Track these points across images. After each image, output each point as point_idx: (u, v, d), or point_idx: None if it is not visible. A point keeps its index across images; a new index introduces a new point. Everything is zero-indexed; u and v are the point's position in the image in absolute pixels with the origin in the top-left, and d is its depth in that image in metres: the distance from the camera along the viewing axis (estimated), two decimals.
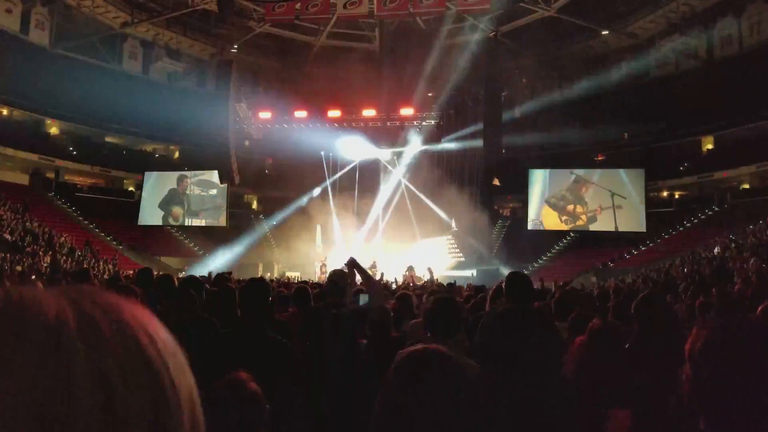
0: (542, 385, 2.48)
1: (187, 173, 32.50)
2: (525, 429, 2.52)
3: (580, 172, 29.93)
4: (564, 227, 29.68)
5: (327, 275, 5.03)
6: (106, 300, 0.44)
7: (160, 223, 31.71)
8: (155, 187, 32.17)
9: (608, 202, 28.48)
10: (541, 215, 29.98)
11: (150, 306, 2.98)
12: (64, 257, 22.70)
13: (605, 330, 2.71)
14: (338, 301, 4.18)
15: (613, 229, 28.55)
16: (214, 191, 31.58)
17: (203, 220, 31.93)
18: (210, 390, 1.62)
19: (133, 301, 0.46)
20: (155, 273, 5.63)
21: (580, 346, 2.75)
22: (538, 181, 30.37)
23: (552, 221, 29.82)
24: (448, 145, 27.53)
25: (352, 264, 4.72)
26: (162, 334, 0.45)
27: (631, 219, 28.46)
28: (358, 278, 5.23)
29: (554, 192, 29.83)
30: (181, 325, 3.18)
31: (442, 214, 26.59)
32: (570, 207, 29.42)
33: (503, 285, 4.22)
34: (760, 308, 3.42)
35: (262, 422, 1.70)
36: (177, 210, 31.96)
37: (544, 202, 29.92)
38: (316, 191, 29.58)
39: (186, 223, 31.84)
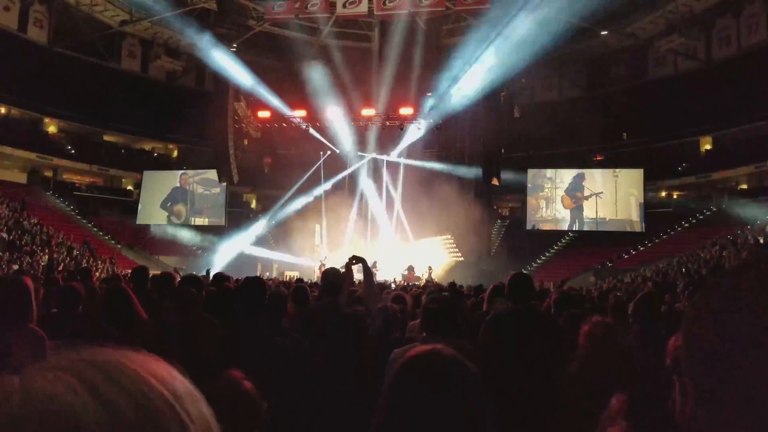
0: (545, 385, 2.48)
1: (189, 172, 32.50)
2: (528, 428, 2.52)
3: (579, 172, 30.01)
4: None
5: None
6: (133, 379, 0.40)
7: (164, 222, 31.63)
8: (156, 187, 32.13)
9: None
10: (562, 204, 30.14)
11: (145, 306, 2.96)
12: (63, 256, 22.66)
13: (605, 324, 2.69)
14: (334, 300, 4.17)
15: (593, 217, 28.81)
16: (216, 189, 31.54)
17: (206, 219, 31.92)
18: (204, 389, 1.61)
19: (152, 361, 0.43)
20: (152, 272, 5.60)
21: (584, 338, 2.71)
22: (554, 179, 30.41)
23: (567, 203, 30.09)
24: (447, 144, 27.56)
25: (357, 260, 4.70)
26: (196, 410, 0.43)
27: (613, 208, 28.79)
28: (357, 277, 5.21)
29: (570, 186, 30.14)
30: (182, 323, 3.17)
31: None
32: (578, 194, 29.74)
33: (503, 285, 4.21)
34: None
35: (257, 421, 1.69)
36: (180, 208, 31.91)
37: (563, 194, 30.05)
38: (316, 190, 29.56)
39: (190, 222, 31.80)
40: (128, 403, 0.39)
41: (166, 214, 31.74)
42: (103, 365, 0.41)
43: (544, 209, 30.33)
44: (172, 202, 31.92)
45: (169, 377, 0.43)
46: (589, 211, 29.45)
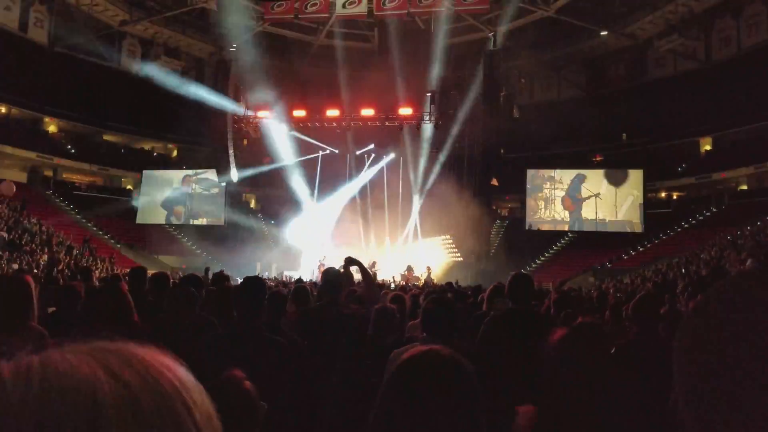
0: (543, 386, 2.47)
1: (189, 172, 32.51)
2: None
3: (578, 172, 30.00)
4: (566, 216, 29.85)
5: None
6: (144, 364, 0.43)
7: (162, 221, 31.67)
8: (156, 186, 32.14)
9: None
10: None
11: (142, 306, 2.95)
12: (62, 255, 22.66)
13: (587, 326, 2.68)
14: (333, 300, 4.17)
15: (593, 218, 28.80)
16: (215, 190, 31.58)
17: (204, 219, 31.93)
18: (204, 388, 1.61)
19: (159, 352, 0.46)
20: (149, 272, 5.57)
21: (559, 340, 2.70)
22: (554, 179, 30.36)
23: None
24: (446, 145, 27.53)
25: (351, 262, 4.69)
26: (199, 397, 0.45)
27: (613, 209, 28.71)
28: (356, 277, 5.21)
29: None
30: (179, 324, 3.16)
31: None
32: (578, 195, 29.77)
33: (503, 285, 4.21)
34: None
35: (257, 421, 1.69)
36: (179, 209, 31.96)
37: (563, 195, 30.04)
38: (315, 190, 29.53)
39: (190, 222, 31.82)
40: (141, 384, 0.41)
41: (166, 213, 31.78)
42: (117, 351, 0.43)
43: (543, 210, 30.34)
44: (173, 203, 31.94)
45: (175, 367, 0.45)
46: (588, 212, 29.43)
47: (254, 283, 3.11)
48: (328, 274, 4.44)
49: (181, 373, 0.45)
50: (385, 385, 1.11)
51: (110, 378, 0.40)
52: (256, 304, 2.98)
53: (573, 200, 29.76)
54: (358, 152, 29.18)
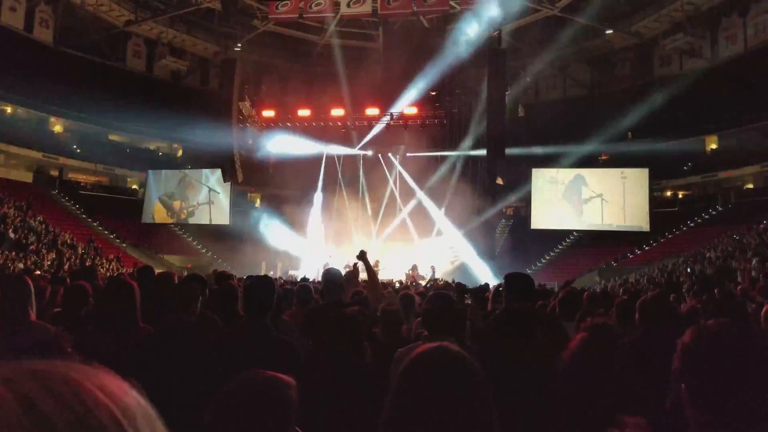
0: (544, 384, 2.47)
1: (191, 170, 32.59)
2: (528, 426, 2.51)
3: (584, 171, 29.80)
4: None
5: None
6: (75, 392, 0.35)
7: (166, 220, 31.69)
8: (159, 185, 32.22)
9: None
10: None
11: (146, 304, 2.94)
12: (68, 255, 22.77)
13: (604, 327, 2.69)
14: (336, 299, 4.18)
15: (599, 223, 28.48)
16: (220, 189, 31.62)
17: (208, 219, 31.93)
18: (238, 385, 1.58)
19: (103, 375, 0.38)
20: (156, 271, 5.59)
21: (578, 342, 2.71)
22: (557, 178, 30.08)
23: None
24: (450, 144, 27.50)
25: (362, 257, 4.71)
26: (138, 416, 0.38)
27: (619, 212, 28.32)
28: (362, 276, 5.22)
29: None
30: (179, 323, 3.16)
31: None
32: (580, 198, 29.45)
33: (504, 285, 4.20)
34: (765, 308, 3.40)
35: (293, 406, 1.63)
36: (178, 203, 31.95)
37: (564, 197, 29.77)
38: (319, 189, 29.56)
39: (189, 220, 31.83)
40: (66, 418, 0.34)
41: (165, 210, 31.76)
42: (44, 377, 0.36)
43: (547, 212, 30.09)
44: (170, 197, 31.95)
45: (120, 393, 0.38)
46: (594, 217, 28.89)
47: (265, 282, 3.11)
48: (329, 274, 4.45)
49: (127, 400, 0.38)
50: (397, 380, 1.11)
51: (27, 414, 0.33)
52: (267, 304, 2.98)
53: (574, 202, 29.53)
54: (363, 152, 29.18)
